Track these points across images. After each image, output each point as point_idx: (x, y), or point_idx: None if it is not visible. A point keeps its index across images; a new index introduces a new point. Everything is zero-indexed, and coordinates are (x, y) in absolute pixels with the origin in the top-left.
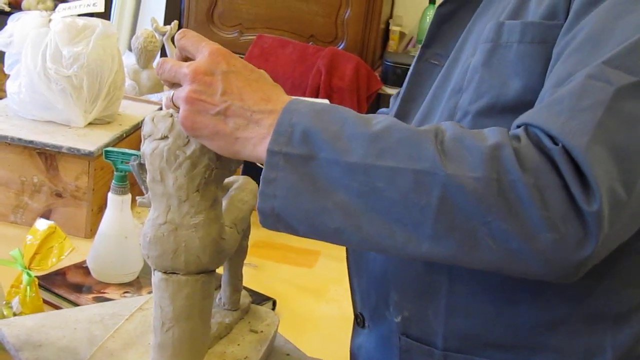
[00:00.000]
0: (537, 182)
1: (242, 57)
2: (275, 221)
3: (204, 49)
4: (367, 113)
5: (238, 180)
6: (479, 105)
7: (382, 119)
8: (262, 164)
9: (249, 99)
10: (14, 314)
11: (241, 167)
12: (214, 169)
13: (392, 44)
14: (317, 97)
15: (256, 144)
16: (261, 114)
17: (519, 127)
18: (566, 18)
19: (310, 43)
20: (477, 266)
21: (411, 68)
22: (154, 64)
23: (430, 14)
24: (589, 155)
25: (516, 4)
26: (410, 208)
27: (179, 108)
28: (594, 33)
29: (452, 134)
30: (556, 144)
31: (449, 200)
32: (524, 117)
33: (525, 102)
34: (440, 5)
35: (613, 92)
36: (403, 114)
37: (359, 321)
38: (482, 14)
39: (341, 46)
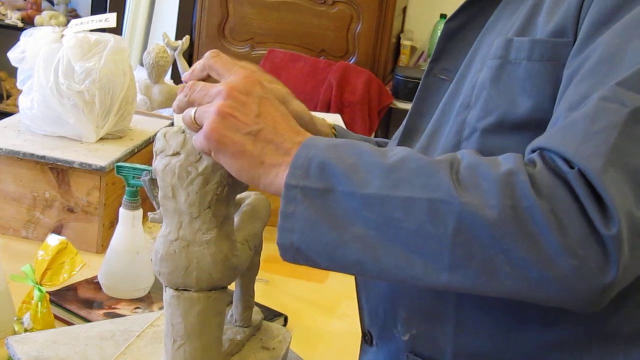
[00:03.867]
0: (553, 207)
1: None
2: (295, 255)
3: (238, 71)
4: (378, 127)
5: (250, 196)
6: (487, 122)
7: (398, 150)
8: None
9: (281, 128)
10: (25, 330)
11: None
12: (225, 185)
13: (403, 59)
14: (328, 111)
15: (279, 172)
16: (292, 144)
17: (533, 151)
18: (575, 36)
19: (322, 57)
20: (498, 295)
21: (420, 83)
22: (166, 79)
23: (442, 28)
24: (605, 178)
25: (524, 20)
26: (427, 238)
27: (199, 127)
28: (607, 55)
29: (467, 162)
30: (572, 167)
31: (465, 229)
32: (538, 142)
33: (534, 121)
34: (448, 20)
35: (627, 114)
36: (412, 129)
37: (367, 339)
38: (490, 29)
39: (352, 60)
